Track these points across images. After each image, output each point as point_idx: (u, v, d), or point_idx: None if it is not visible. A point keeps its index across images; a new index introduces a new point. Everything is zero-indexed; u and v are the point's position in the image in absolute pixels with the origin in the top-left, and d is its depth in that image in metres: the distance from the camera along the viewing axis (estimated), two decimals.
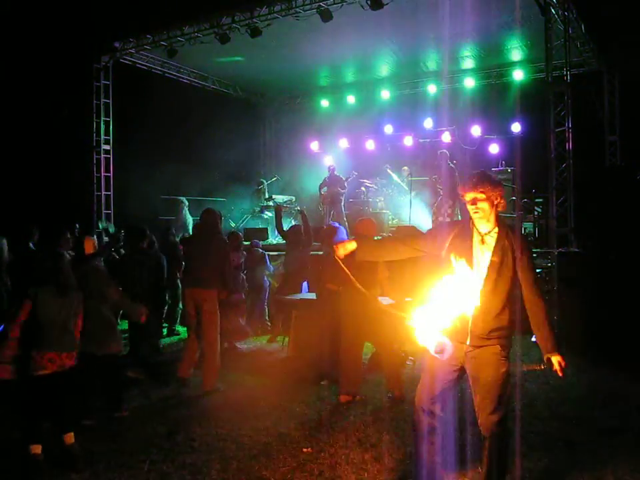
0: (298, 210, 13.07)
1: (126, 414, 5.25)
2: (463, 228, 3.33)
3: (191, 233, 11.50)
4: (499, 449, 3.32)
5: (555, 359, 3.22)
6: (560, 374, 3.22)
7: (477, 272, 3.18)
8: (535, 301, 3.27)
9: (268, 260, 9.19)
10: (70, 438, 4.31)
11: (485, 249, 3.22)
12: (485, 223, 3.24)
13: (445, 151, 11.63)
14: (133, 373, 6.52)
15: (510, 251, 3.20)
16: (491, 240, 3.23)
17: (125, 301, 5.26)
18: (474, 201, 3.21)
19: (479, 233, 3.25)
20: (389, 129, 14.74)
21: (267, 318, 9.07)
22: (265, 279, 9.09)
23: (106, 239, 9.41)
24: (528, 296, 3.26)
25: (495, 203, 3.23)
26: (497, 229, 3.25)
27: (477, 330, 3.17)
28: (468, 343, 3.21)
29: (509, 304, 3.22)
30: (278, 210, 8.80)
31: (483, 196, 3.19)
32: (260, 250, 9.18)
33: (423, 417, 3.38)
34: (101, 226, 11.24)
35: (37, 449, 4.15)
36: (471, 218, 3.29)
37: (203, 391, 6.03)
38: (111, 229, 10.89)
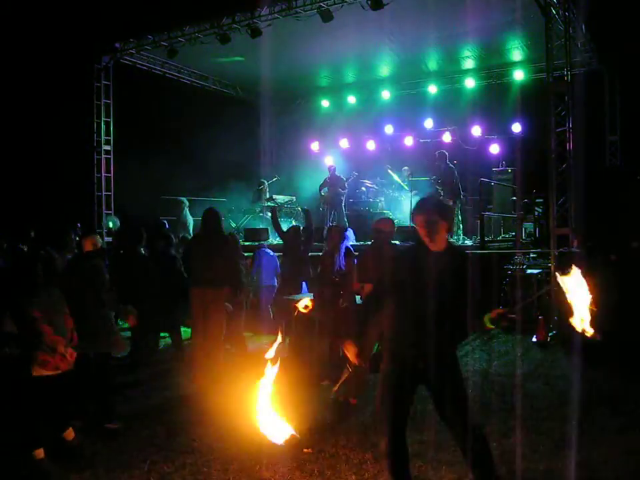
0: (302, 209, 13.09)
1: (116, 427, 4.94)
2: (409, 253, 3.53)
3: (191, 233, 11.52)
4: (487, 449, 3.37)
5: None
6: None
7: (429, 292, 3.30)
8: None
9: (278, 261, 9.16)
10: (70, 433, 4.36)
11: (435, 270, 3.33)
12: (435, 245, 3.38)
13: (443, 151, 11.64)
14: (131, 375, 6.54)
15: (457, 271, 3.35)
16: (441, 260, 3.35)
17: (112, 303, 5.19)
18: (424, 224, 3.37)
19: (430, 254, 3.38)
20: (389, 129, 14.75)
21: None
22: (275, 279, 9.02)
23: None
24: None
25: (444, 226, 3.39)
26: (446, 250, 3.40)
27: (432, 346, 3.27)
28: (423, 358, 3.30)
29: (458, 318, 3.37)
30: (273, 211, 8.79)
31: (434, 219, 3.35)
32: (271, 252, 9.13)
33: (399, 446, 3.40)
34: (109, 223, 11.27)
35: (40, 453, 4.15)
36: (421, 241, 3.44)
37: (203, 389, 6.04)
38: (111, 224, 10.88)
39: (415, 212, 3.50)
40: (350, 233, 6.59)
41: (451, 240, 3.56)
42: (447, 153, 11.53)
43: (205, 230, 6.45)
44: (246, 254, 8.95)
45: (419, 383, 3.39)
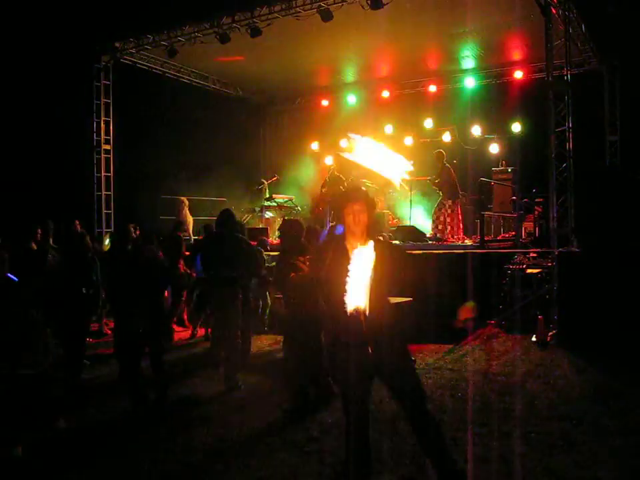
0: (298, 210, 13.10)
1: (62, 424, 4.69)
2: (338, 244, 3.51)
3: (191, 233, 11.53)
4: (438, 427, 3.58)
5: None
6: None
7: (358, 283, 3.34)
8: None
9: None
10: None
11: (362, 261, 3.36)
12: (360, 235, 3.43)
13: (440, 150, 11.63)
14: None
15: (384, 259, 3.38)
16: (368, 250, 3.39)
17: None
18: (355, 213, 3.40)
19: (355, 246, 3.41)
20: (389, 129, 14.74)
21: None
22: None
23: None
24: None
25: (370, 215, 3.45)
26: (371, 240, 3.44)
27: (371, 334, 3.35)
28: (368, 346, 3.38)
29: (390, 305, 3.51)
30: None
31: (363, 208, 3.41)
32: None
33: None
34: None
35: None
36: (344, 233, 3.50)
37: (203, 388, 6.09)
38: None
39: (342, 200, 3.53)
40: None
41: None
42: (444, 153, 11.52)
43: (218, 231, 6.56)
44: None
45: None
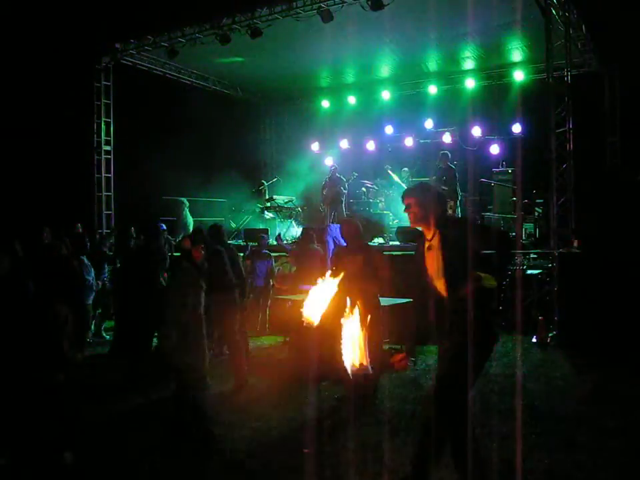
0: (299, 211, 13.10)
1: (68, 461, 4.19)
2: (419, 238, 3.60)
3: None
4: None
5: None
6: None
7: (434, 275, 3.39)
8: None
9: (273, 262, 9.22)
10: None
11: (432, 254, 3.41)
12: (426, 229, 3.47)
13: (446, 152, 11.64)
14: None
15: (450, 250, 3.32)
16: (435, 243, 3.41)
17: None
18: (406, 208, 3.49)
19: (426, 239, 3.47)
20: (389, 130, 14.76)
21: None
22: (262, 281, 9.06)
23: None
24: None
25: (429, 208, 3.41)
26: (437, 233, 3.42)
27: (444, 328, 3.35)
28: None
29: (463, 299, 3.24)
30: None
31: (413, 201, 3.45)
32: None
33: None
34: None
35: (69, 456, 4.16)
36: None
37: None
38: None
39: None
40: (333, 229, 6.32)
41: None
42: (449, 154, 11.54)
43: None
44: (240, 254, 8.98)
45: None
